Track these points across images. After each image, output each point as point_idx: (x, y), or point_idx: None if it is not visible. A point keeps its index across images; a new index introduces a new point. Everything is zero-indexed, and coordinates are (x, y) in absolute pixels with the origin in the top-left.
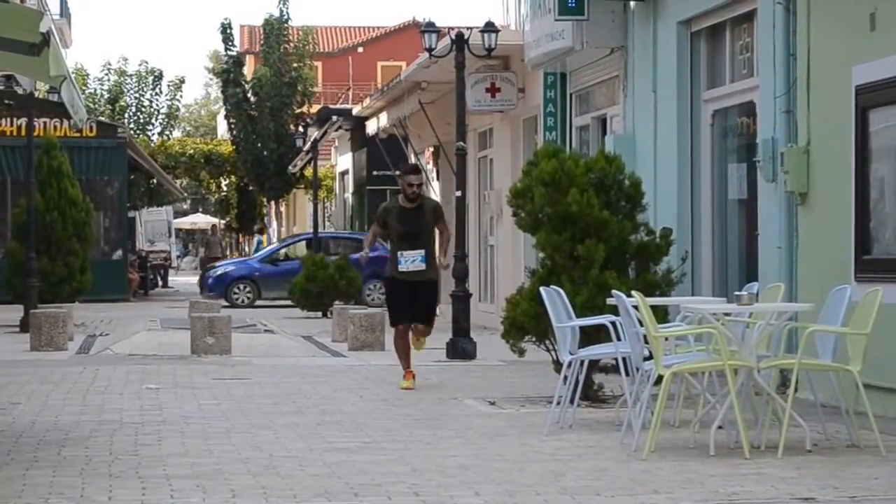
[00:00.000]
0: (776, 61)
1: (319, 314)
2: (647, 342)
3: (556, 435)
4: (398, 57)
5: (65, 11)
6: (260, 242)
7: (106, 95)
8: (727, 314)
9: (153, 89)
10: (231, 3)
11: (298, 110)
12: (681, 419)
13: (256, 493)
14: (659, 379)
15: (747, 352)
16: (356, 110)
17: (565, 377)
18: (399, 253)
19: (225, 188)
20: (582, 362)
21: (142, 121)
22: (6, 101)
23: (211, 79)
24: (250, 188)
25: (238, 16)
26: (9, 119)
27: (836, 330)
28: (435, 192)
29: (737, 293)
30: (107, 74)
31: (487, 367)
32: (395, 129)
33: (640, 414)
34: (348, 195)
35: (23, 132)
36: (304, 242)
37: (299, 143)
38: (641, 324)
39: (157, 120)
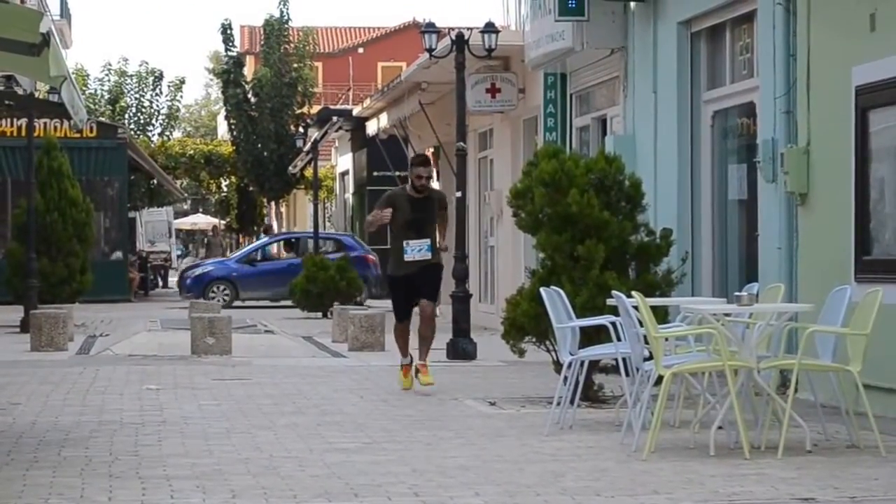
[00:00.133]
0: (776, 62)
1: (320, 315)
2: (647, 342)
3: (557, 435)
4: (398, 57)
5: (65, 12)
6: None
7: (106, 96)
8: (727, 315)
9: (153, 90)
10: (231, 4)
11: (299, 111)
12: (681, 419)
13: (256, 494)
14: (659, 379)
15: (747, 352)
16: (356, 111)
17: (565, 378)
18: (405, 242)
19: (225, 189)
20: (582, 363)
21: (142, 121)
22: (6, 102)
23: (211, 79)
24: (250, 189)
25: (238, 16)
26: (9, 119)
27: (836, 330)
28: None
29: (737, 294)
30: (107, 75)
31: (487, 367)
32: (396, 129)
33: (640, 414)
34: (348, 196)
35: (23, 133)
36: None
37: (299, 143)
38: (641, 324)
39: (157, 120)
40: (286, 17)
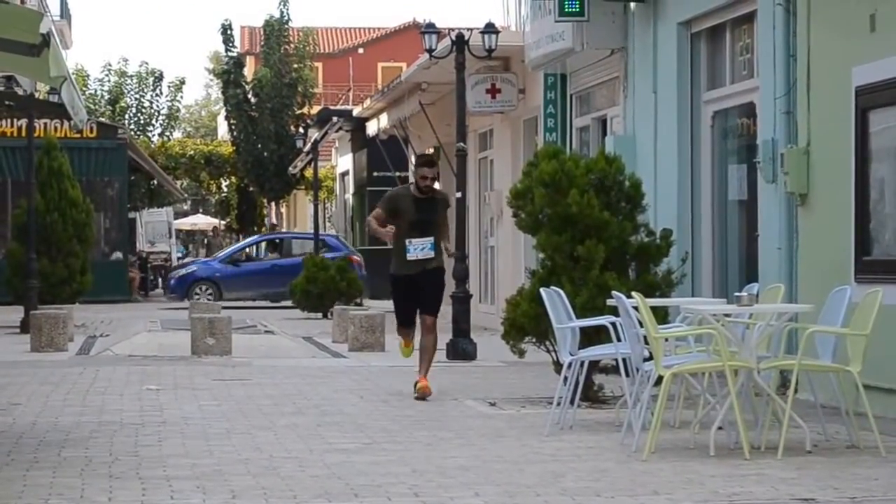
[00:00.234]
0: (776, 62)
1: (320, 315)
2: (647, 343)
3: (557, 436)
4: (398, 58)
5: (65, 12)
6: None
7: (106, 96)
8: (727, 315)
9: (153, 90)
10: (231, 4)
11: (299, 111)
12: (681, 420)
13: (257, 494)
14: (659, 380)
15: (747, 353)
16: (356, 111)
17: (565, 378)
18: (408, 241)
19: (225, 189)
20: (582, 363)
21: (142, 122)
22: (7, 102)
23: (211, 80)
24: (251, 189)
25: (238, 17)
26: (9, 120)
27: (836, 331)
28: None
29: (737, 294)
30: (107, 75)
31: (488, 368)
32: (396, 130)
33: (640, 415)
34: (349, 196)
35: (23, 133)
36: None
37: (300, 144)
38: (641, 325)
39: (157, 121)
40: (286, 18)
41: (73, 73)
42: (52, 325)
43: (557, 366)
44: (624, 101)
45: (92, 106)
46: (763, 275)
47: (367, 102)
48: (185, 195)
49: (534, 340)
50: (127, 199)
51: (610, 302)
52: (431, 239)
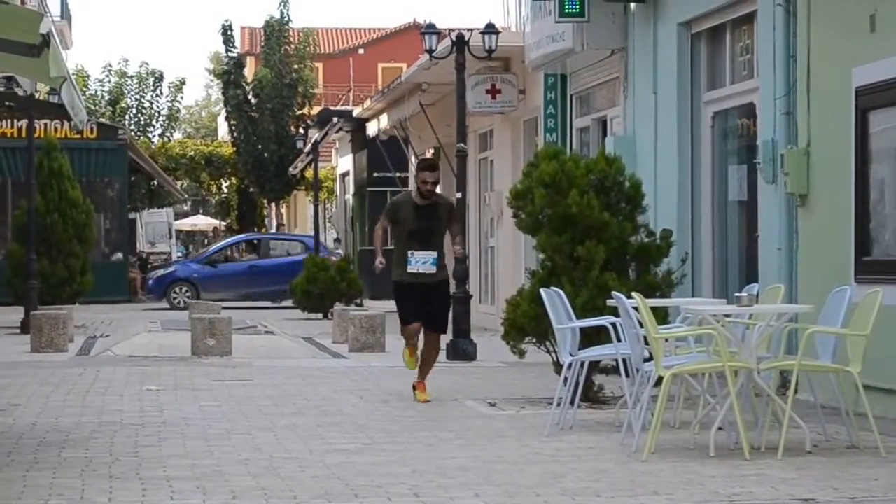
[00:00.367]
0: (776, 63)
1: (320, 315)
2: (647, 343)
3: (557, 436)
4: (399, 58)
5: (65, 13)
6: None
7: (106, 97)
8: (727, 315)
9: (154, 91)
10: (232, 5)
11: (299, 112)
12: (681, 420)
13: (257, 495)
14: (659, 380)
15: (747, 353)
16: (357, 112)
17: (565, 378)
18: (410, 252)
19: (225, 190)
20: (582, 363)
21: (142, 122)
22: (7, 103)
23: (212, 80)
24: (251, 190)
25: (239, 17)
26: (9, 120)
27: (836, 331)
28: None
29: (737, 294)
30: (107, 76)
31: (488, 368)
32: (396, 130)
33: (640, 415)
34: (349, 197)
35: (23, 134)
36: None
37: (300, 144)
38: (641, 325)
39: (157, 121)
40: (286, 18)
41: (73, 74)
42: (53, 326)
43: (557, 366)
44: (624, 102)
45: (92, 106)
46: (763, 275)
47: (368, 103)
48: (186, 196)
49: (534, 341)
50: (127, 200)
51: (610, 302)
52: (434, 254)
